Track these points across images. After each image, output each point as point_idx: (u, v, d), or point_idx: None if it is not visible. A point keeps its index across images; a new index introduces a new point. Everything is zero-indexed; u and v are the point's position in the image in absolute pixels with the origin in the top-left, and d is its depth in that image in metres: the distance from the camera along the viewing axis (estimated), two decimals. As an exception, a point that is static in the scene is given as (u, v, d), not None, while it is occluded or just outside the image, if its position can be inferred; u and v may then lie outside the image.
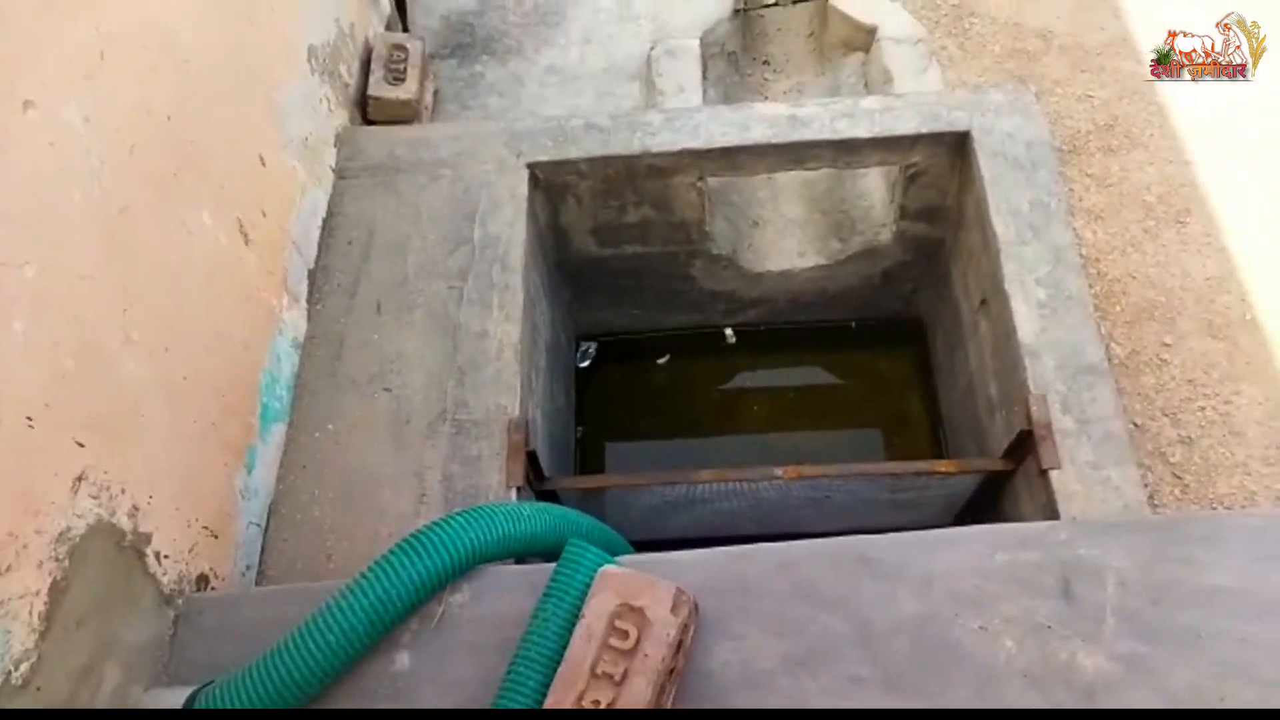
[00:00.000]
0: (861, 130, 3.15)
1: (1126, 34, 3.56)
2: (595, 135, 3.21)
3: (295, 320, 2.80)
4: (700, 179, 3.33)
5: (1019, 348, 2.71)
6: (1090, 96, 3.40)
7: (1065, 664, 1.73)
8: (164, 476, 2.08)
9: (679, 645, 1.70)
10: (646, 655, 1.65)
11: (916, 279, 3.83)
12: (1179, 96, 3.34)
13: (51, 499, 1.70)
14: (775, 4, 4.39)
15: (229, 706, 1.72)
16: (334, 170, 3.17)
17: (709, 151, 3.18)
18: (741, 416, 4.05)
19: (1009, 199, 2.98)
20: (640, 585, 1.72)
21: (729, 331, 4.14)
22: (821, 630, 1.80)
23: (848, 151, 3.22)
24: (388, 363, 2.78)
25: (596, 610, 1.70)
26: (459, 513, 1.90)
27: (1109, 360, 2.72)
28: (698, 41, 3.93)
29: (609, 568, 1.79)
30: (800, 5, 4.35)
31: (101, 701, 1.81)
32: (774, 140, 3.16)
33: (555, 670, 1.67)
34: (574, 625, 1.71)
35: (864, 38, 3.98)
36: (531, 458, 2.69)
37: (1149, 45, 3.48)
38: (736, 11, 4.20)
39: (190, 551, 2.17)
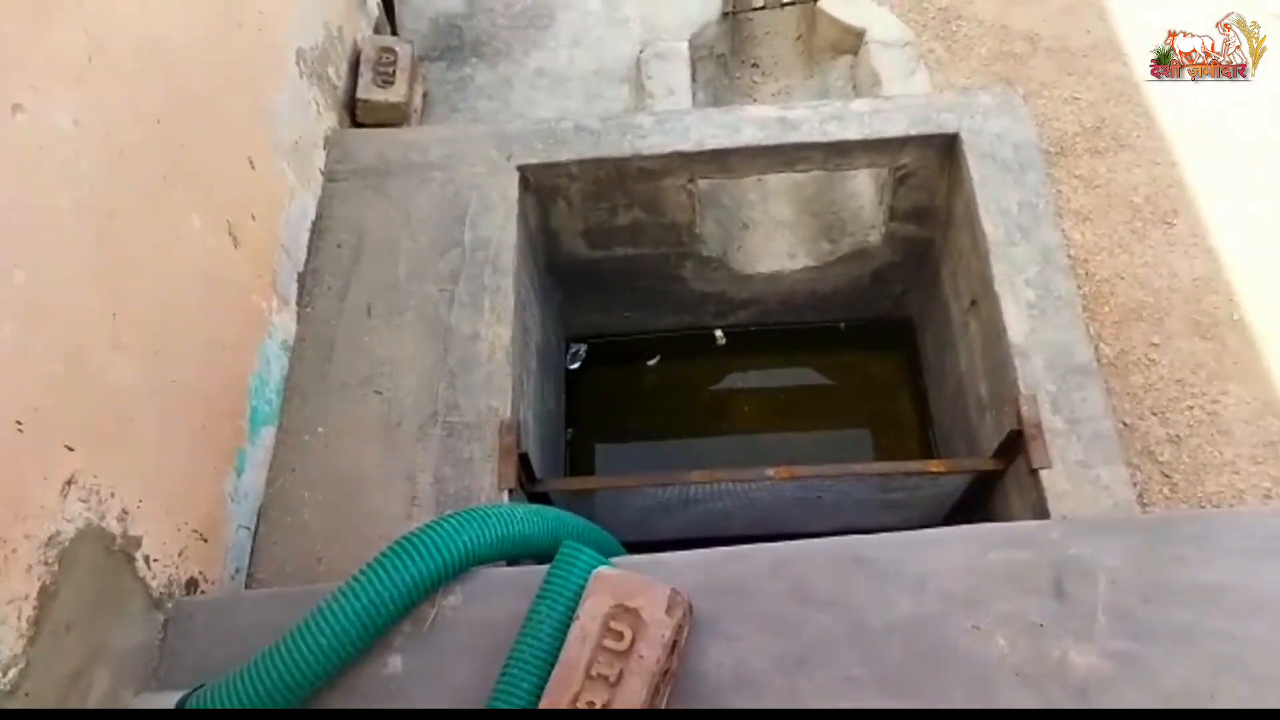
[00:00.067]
0: (851, 132, 3.16)
1: (1112, 36, 3.59)
2: (586, 138, 3.21)
3: (285, 323, 2.79)
4: (690, 181, 3.33)
5: (1009, 348, 2.73)
6: (1077, 99, 3.42)
7: (1058, 662, 1.73)
8: (154, 480, 2.07)
9: (674, 646, 1.70)
10: (641, 656, 1.64)
11: (906, 280, 3.84)
12: (1165, 98, 3.36)
13: (41, 503, 1.69)
14: (763, 7, 4.40)
15: (220, 709, 1.71)
16: (323, 173, 3.16)
17: (699, 154, 3.19)
18: (732, 418, 4.06)
19: (998, 200, 2.99)
20: (635, 586, 1.72)
21: (719, 333, 4.14)
22: (816, 630, 1.81)
23: (837, 154, 3.23)
24: (378, 365, 2.78)
25: (591, 611, 1.70)
26: (452, 515, 1.89)
27: (1098, 360, 2.74)
28: (686, 44, 3.94)
29: (603, 569, 1.79)
30: (788, 8, 4.36)
31: (91, 706, 1.79)
32: (764, 143, 3.17)
33: (550, 672, 1.66)
34: (568, 627, 1.71)
35: (852, 41, 4.00)
36: (523, 460, 2.69)
37: (1135, 47, 3.51)
38: (725, 14, 4.21)
39: (180, 555, 2.16)
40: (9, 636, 1.59)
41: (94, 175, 1.92)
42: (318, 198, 3.10)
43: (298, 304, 2.88)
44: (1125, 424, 2.70)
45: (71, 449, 1.78)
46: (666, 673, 1.68)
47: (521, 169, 3.15)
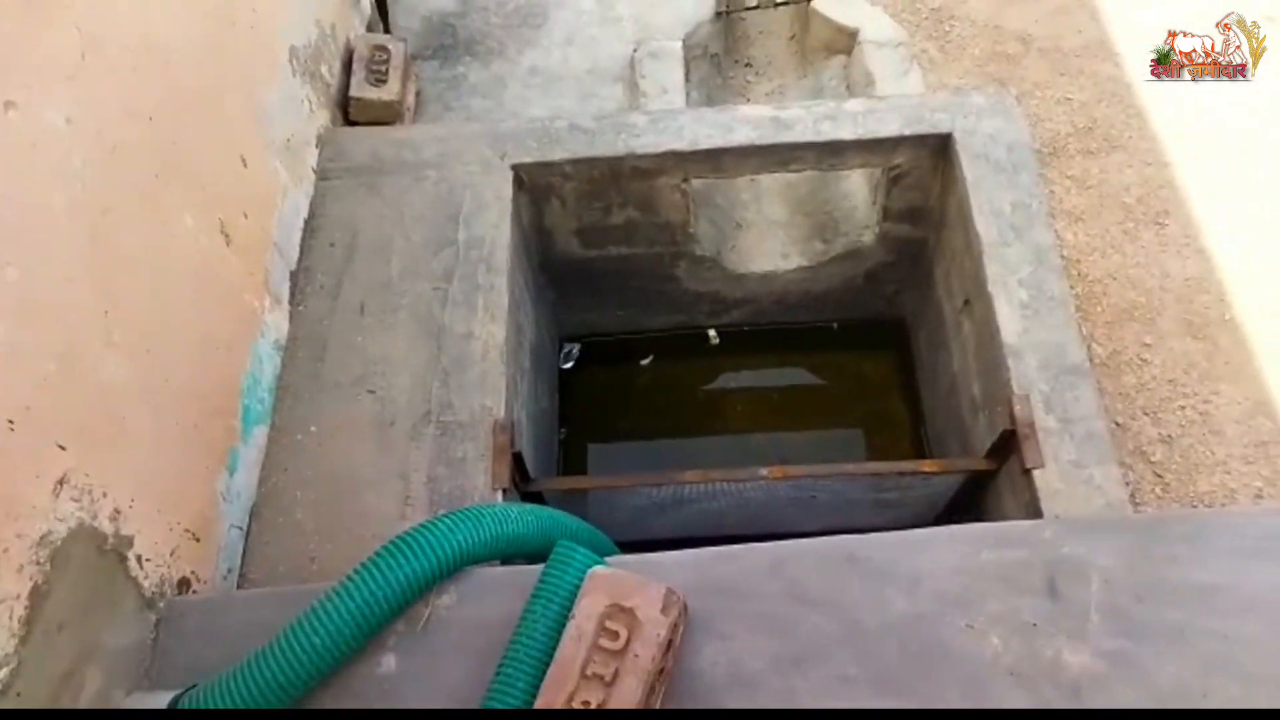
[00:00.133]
0: (845, 132, 3.16)
1: (1105, 37, 3.60)
2: (580, 137, 3.21)
3: (277, 322, 2.78)
4: (684, 181, 3.33)
5: (1002, 348, 2.73)
6: (1069, 99, 3.43)
7: (1051, 661, 1.74)
8: (146, 479, 2.06)
9: (669, 645, 1.70)
10: (637, 656, 1.64)
11: (899, 280, 3.85)
12: (1160, 98, 3.38)
13: (32, 502, 1.68)
14: (757, 6, 4.40)
15: (213, 709, 1.70)
16: (316, 171, 3.15)
17: (693, 153, 3.18)
18: (725, 417, 4.06)
19: (991, 200, 3.00)
20: (630, 586, 1.72)
21: (712, 332, 4.14)
22: (810, 630, 1.81)
23: (831, 153, 3.23)
24: (371, 364, 2.77)
25: (586, 611, 1.70)
26: (446, 514, 1.89)
27: (1090, 360, 2.75)
28: (680, 43, 3.94)
29: (599, 568, 1.79)
30: (782, 8, 4.37)
31: (83, 706, 1.79)
32: (758, 142, 3.17)
33: (545, 671, 1.66)
34: (563, 626, 1.71)
35: (845, 41, 4.00)
36: (517, 459, 2.69)
37: (1127, 48, 3.52)
38: (718, 14, 4.21)
39: (172, 555, 2.15)
40: (0, 636, 1.59)
41: (86, 173, 1.91)
42: (310, 196, 3.09)
43: (290, 303, 2.87)
44: (1118, 424, 2.71)
45: (64, 448, 1.77)
46: (662, 672, 1.68)
47: (515, 168, 3.14)
